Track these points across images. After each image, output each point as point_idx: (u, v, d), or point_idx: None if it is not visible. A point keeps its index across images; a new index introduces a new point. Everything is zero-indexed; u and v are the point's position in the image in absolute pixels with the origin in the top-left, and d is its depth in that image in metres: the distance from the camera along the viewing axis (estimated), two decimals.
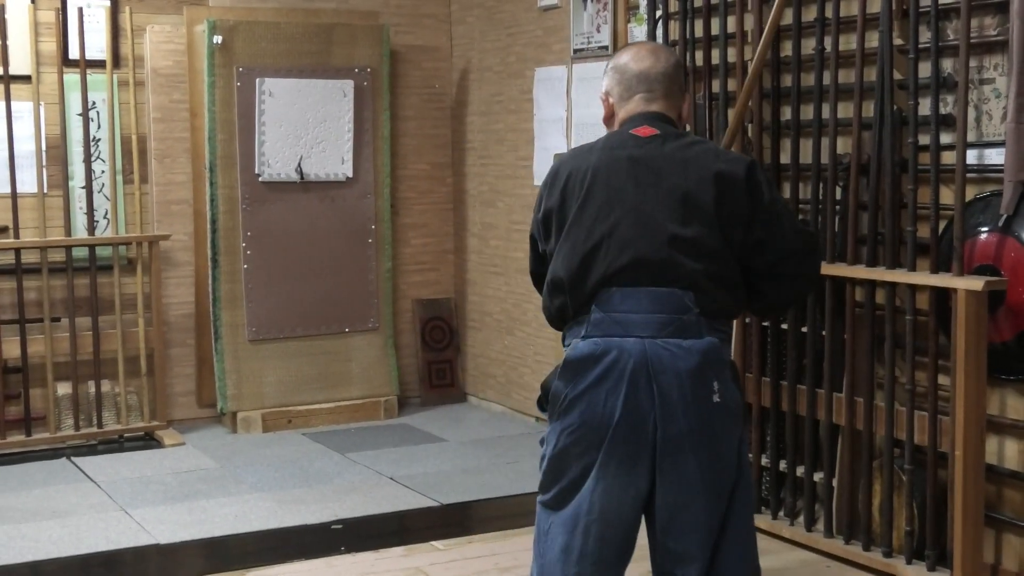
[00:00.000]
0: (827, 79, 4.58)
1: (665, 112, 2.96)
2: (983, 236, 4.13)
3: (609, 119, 3.06)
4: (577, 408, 2.78)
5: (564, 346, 2.91)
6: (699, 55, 5.14)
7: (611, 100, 3.03)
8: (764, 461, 4.90)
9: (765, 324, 4.82)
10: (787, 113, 4.79)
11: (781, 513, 4.84)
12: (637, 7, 5.74)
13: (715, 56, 5.08)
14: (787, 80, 4.78)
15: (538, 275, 3.10)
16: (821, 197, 4.60)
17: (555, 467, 2.90)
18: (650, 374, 2.70)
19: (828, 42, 4.55)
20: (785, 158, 4.81)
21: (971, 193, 4.18)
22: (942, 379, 4.22)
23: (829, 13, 4.53)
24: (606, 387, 2.72)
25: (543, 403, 2.99)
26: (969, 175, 4.15)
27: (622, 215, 2.76)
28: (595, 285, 2.76)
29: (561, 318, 2.91)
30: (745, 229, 2.81)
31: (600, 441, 2.75)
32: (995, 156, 4.12)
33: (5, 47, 6.16)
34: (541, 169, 6.49)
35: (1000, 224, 4.07)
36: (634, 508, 2.84)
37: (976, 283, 3.94)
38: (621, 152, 2.84)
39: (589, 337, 2.77)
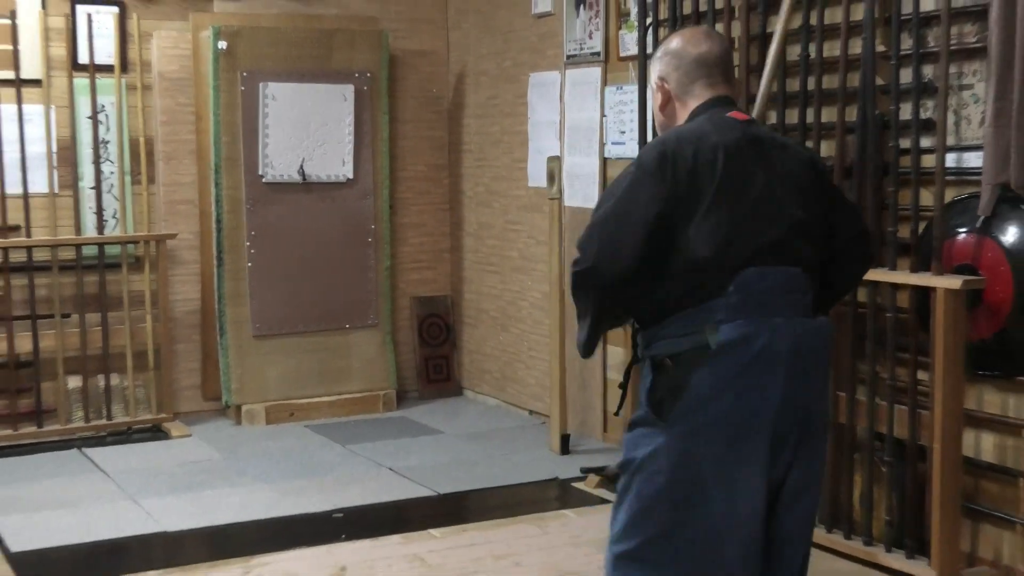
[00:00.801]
0: (812, 84, 4.59)
1: (731, 96, 2.88)
2: (962, 237, 4.14)
3: (666, 104, 2.89)
4: (729, 397, 2.56)
5: (673, 338, 2.61)
6: None
7: (667, 86, 2.87)
8: None
9: None
10: (773, 117, 4.80)
11: None
12: (628, 14, 5.76)
13: None
14: (774, 85, 4.79)
15: (620, 251, 2.58)
16: None
17: (676, 481, 2.59)
18: (801, 355, 2.60)
19: (813, 48, 4.57)
20: None
21: (950, 195, 4.20)
22: (922, 375, 4.24)
23: (814, 20, 4.55)
24: (760, 371, 2.56)
25: (655, 412, 2.63)
26: (948, 178, 4.17)
27: (759, 197, 2.63)
28: (737, 264, 2.56)
29: (675, 304, 2.59)
30: (827, 213, 2.78)
31: (756, 430, 2.58)
32: (974, 159, 4.13)
33: (17, 52, 6.17)
34: (535, 170, 6.50)
35: (978, 225, 4.08)
36: (764, 509, 2.64)
37: (955, 282, 3.97)
38: (735, 135, 2.68)
39: (732, 319, 2.55)
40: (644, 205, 2.56)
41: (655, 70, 2.91)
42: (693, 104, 2.81)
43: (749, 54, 4.84)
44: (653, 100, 2.94)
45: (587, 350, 2.76)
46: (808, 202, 2.71)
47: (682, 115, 2.83)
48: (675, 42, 2.91)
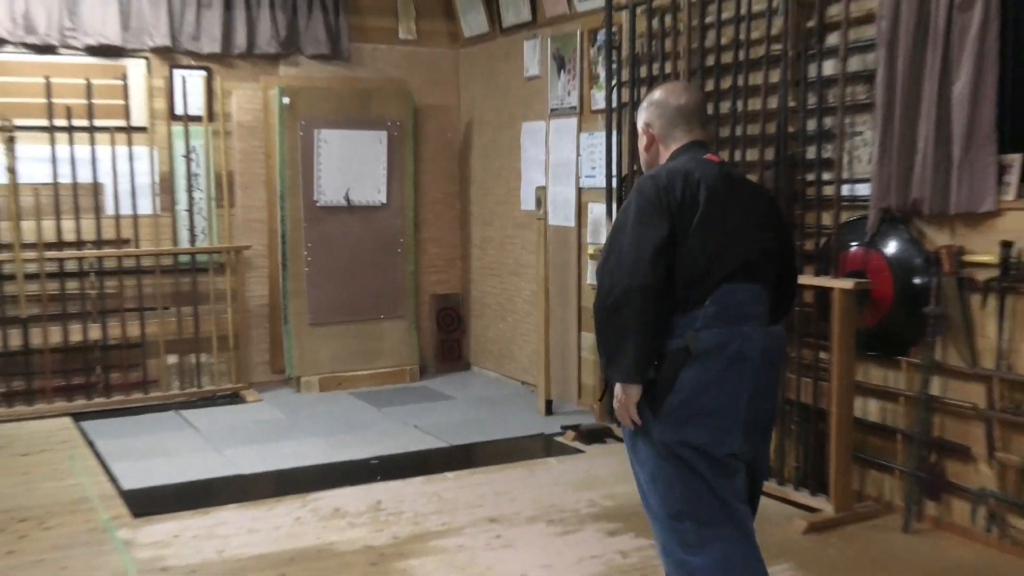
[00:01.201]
0: (739, 131, 4.62)
1: (706, 141, 2.77)
2: (854, 249, 4.17)
3: (651, 146, 2.78)
4: (711, 392, 2.50)
5: (673, 337, 2.51)
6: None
7: (652, 131, 2.75)
8: None
9: None
10: None
11: None
12: (597, 77, 5.75)
13: None
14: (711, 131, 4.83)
15: (652, 262, 2.45)
16: None
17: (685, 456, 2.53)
18: (766, 357, 2.55)
19: (740, 104, 4.60)
20: None
21: (845, 217, 4.22)
22: (823, 355, 4.28)
23: (741, 82, 4.58)
24: (736, 371, 2.50)
25: (650, 404, 2.55)
26: (843, 204, 4.21)
27: (733, 227, 2.54)
28: (715, 282, 2.48)
29: (666, 305, 2.48)
30: (780, 240, 2.74)
31: (732, 420, 2.52)
32: (863, 189, 4.16)
33: (127, 106, 6.20)
34: (526, 197, 6.51)
35: (866, 240, 4.11)
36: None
37: (848, 283, 4.01)
38: (713, 173, 2.59)
39: (709, 328, 2.48)
40: (655, 227, 2.47)
41: (641, 117, 2.81)
42: (674, 146, 2.71)
43: None
44: (639, 142, 2.83)
45: (634, 373, 2.50)
46: (770, 231, 2.65)
47: (664, 155, 2.73)
48: (659, 94, 2.80)
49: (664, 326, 2.49)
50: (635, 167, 5.24)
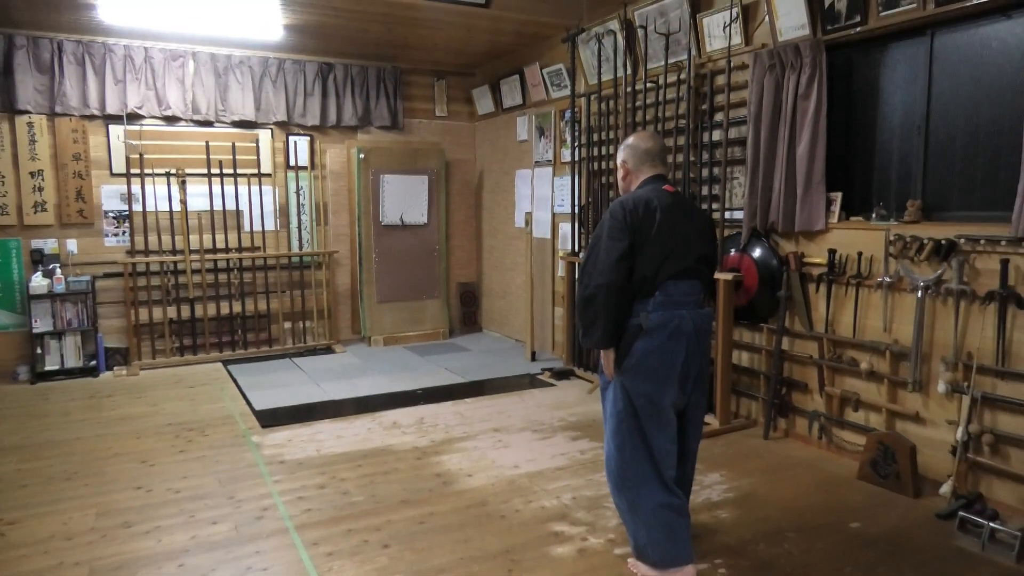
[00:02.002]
0: None
1: (665, 174, 2.62)
2: (732, 254, 4.13)
3: (626, 178, 2.64)
4: (656, 356, 2.42)
5: (633, 317, 2.45)
6: (594, 164, 5.16)
7: (628, 167, 2.62)
8: None
9: None
10: None
11: None
12: (565, 140, 5.74)
13: (602, 164, 5.11)
14: None
15: (618, 266, 2.40)
16: None
17: (635, 391, 2.46)
18: (697, 331, 2.46)
19: None
20: None
21: (727, 233, 4.18)
22: (712, 323, 4.24)
23: None
24: (674, 341, 2.42)
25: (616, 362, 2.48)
26: (726, 224, 4.17)
27: (678, 239, 2.45)
28: (663, 279, 2.42)
29: (628, 295, 2.43)
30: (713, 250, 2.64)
31: (671, 374, 2.43)
32: (738, 215, 4.13)
33: (259, 160, 6.15)
34: (518, 219, 6.48)
35: (740, 248, 4.07)
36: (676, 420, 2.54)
37: (728, 276, 3.97)
38: (667, 200, 2.48)
39: (656, 311, 2.42)
40: (620, 240, 2.41)
41: (620, 155, 2.66)
42: (642, 178, 2.60)
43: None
44: (617, 173, 2.69)
45: (604, 342, 2.44)
46: (707, 242, 2.55)
47: (635, 184, 2.61)
48: (632, 139, 2.65)
49: (626, 309, 2.44)
50: (590, 199, 5.20)
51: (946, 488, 3.11)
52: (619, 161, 2.67)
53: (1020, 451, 2.97)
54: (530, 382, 5.23)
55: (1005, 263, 2.96)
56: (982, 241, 3.03)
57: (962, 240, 3.11)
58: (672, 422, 2.50)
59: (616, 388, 2.51)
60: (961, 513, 2.85)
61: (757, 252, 4.02)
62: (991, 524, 2.72)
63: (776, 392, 3.94)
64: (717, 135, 4.21)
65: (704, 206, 4.30)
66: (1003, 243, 2.97)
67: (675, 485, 2.51)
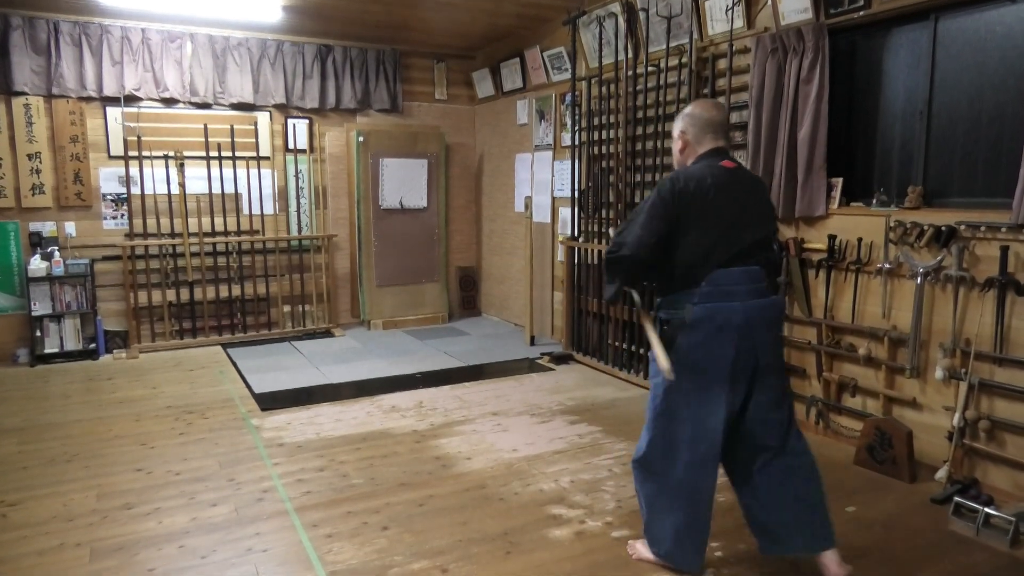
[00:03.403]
0: (658, 160, 4.53)
1: (726, 148, 2.37)
2: None
3: (683, 150, 2.40)
4: (700, 352, 2.21)
5: (670, 309, 2.26)
6: (594, 149, 5.15)
7: (687, 138, 2.37)
8: (625, 346, 4.93)
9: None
10: (640, 176, 4.79)
11: (633, 371, 4.88)
12: (566, 124, 5.72)
13: (602, 148, 5.09)
14: (639, 160, 4.78)
15: (646, 245, 2.22)
16: None
17: (679, 387, 2.26)
18: (750, 323, 2.20)
19: (659, 142, 4.51)
20: (639, 198, 4.82)
21: None
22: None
23: (660, 128, 4.50)
24: (722, 336, 2.18)
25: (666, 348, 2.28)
26: None
27: (731, 222, 2.22)
28: (711, 267, 2.20)
29: (645, 276, 2.29)
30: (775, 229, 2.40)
31: (718, 374, 2.21)
32: None
33: (257, 143, 6.13)
34: (518, 203, 6.48)
35: None
36: (724, 424, 2.26)
37: None
38: (725, 178, 2.25)
39: (701, 303, 2.19)
40: (660, 219, 2.21)
41: (678, 126, 2.41)
42: (701, 151, 2.35)
43: (630, 146, 4.85)
44: (674, 145, 2.43)
45: (612, 301, 2.37)
46: (766, 222, 2.31)
47: (692, 158, 2.38)
48: (694, 108, 2.40)
49: (643, 280, 2.34)
50: (590, 184, 5.19)
51: (942, 473, 3.13)
52: (676, 132, 2.42)
53: (1016, 437, 2.99)
54: (529, 366, 5.24)
55: (1005, 250, 2.96)
56: (982, 228, 3.03)
57: (962, 227, 3.11)
58: (714, 429, 2.24)
59: (659, 383, 2.33)
60: (956, 498, 2.87)
61: None
62: (986, 509, 2.74)
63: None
64: None
65: None
66: (1003, 230, 2.97)
67: (711, 492, 2.32)
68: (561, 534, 2.71)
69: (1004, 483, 3.03)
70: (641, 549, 2.53)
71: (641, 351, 4.77)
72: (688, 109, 2.41)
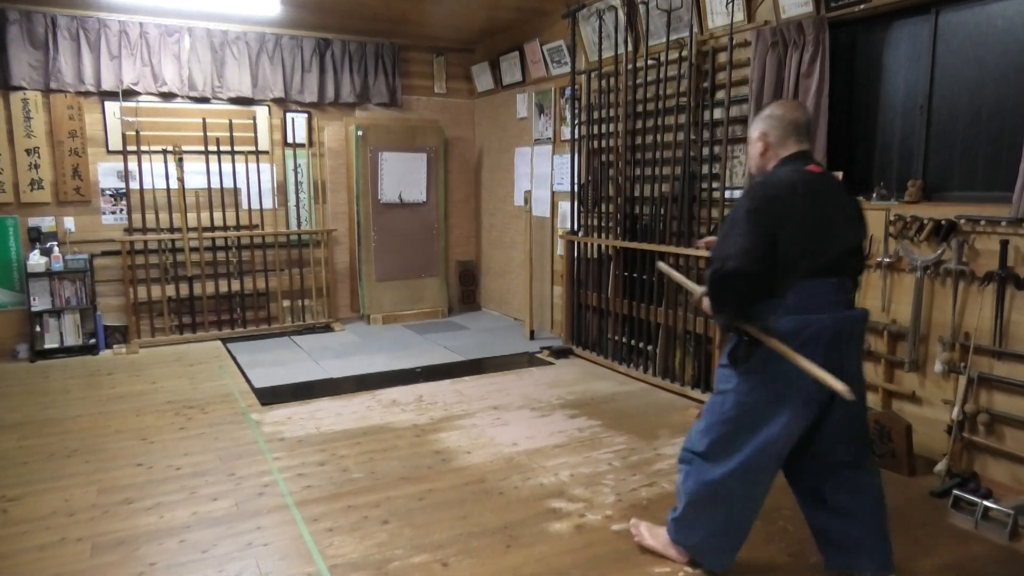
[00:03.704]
0: (659, 154, 4.55)
1: (810, 152, 2.24)
2: None
3: (764, 153, 2.24)
4: (781, 367, 2.07)
5: (756, 319, 2.10)
6: (594, 143, 5.14)
7: (769, 140, 2.22)
8: (625, 340, 4.93)
9: (626, 273, 4.85)
10: (640, 170, 4.80)
11: (633, 365, 4.89)
12: (565, 118, 5.71)
13: (602, 142, 5.08)
14: (639, 155, 4.78)
15: (754, 255, 2.04)
16: (660, 213, 4.62)
17: (753, 403, 2.15)
18: (838, 338, 2.08)
19: (659, 137, 4.53)
20: (639, 192, 4.82)
21: (727, 212, 4.15)
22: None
23: (660, 122, 4.52)
24: (807, 351, 2.04)
25: (732, 364, 2.20)
26: (726, 203, 4.16)
27: (821, 231, 2.08)
28: (798, 278, 2.07)
29: (757, 293, 2.09)
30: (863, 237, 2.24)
31: (800, 388, 2.08)
32: (738, 193, 4.10)
33: (256, 137, 6.12)
34: (518, 197, 6.47)
35: None
36: (795, 438, 2.17)
37: None
38: (814, 184, 2.11)
39: (787, 316, 2.06)
40: (764, 226, 2.04)
41: (758, 127, 2.27)
42: (784, 154, 2.21)
43: (630, 140, 4.84)
44: (753, 148, 2.28)
45: (729, 326, 2.15)
46: (856, 230, 2.18)
47: (772, 161, 2.23)
48: (775, 109, 2.26)
49: (760, 293, 2.09)
50: (590, 177, 5.18)
51: (941, 467, 3.14)
52: (755, 134, 2.27)
53: (1015, 430, 3.00)
54: (529, 360, 5.25)
55: (1005, 244, 2.96)
56: (982, 222, 3.03)
57: (962, 220, 3.10)
58: (783, 442, 2.15)
59: (732, 386, 2.20)
60: (955, 491, 2.88)
61: None
62: (984, 502, 2.75)
63: None
64: (718, 113, 4.18)
65: (704, 185, 4.29)
66: (1003, 224, 2.97)
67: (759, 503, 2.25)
68: (561, 527, 2.72)
69: (1003, 476, 3.04)
70: (645, 534, 2.52)
71: (647, 347, 4.76)
72: (769, 110, 2.27)
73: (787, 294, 2.07)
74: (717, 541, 2.32)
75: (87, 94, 5.57)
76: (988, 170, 3.18)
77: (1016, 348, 2.97)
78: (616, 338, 4.96)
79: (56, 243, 5.47)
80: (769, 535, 2.67)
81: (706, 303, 2.20)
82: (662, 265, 2.41)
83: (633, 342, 4.84)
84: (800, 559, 2.50)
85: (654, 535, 2.53)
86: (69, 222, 5.61)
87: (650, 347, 4.69)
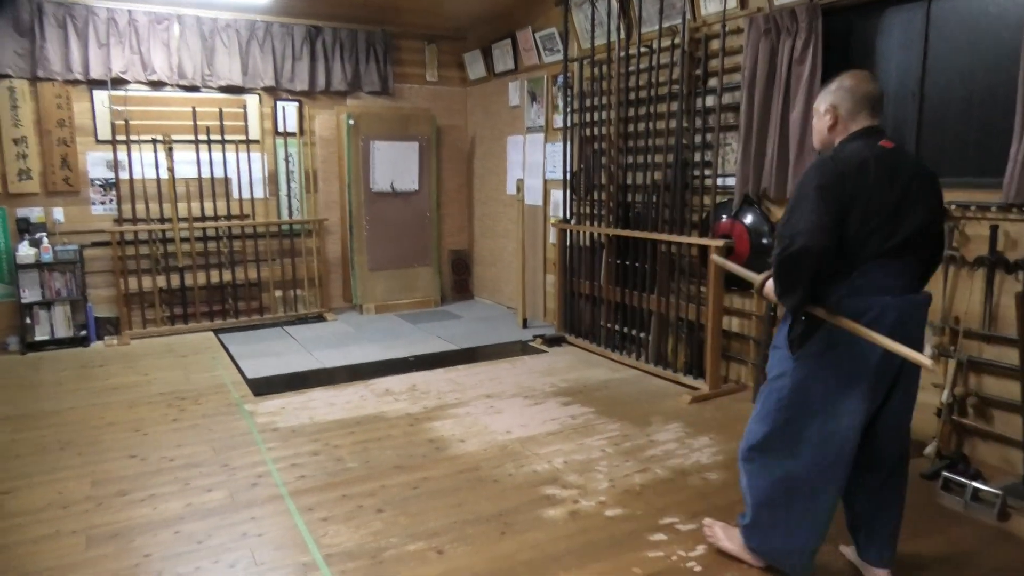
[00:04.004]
0: (651, 142, 4.54)
1: (882, 127, 2.09)
2: (724, 220, 4.13)
3: (833, 128, 2.10)
4: (843, 350, 2.00)
5: (823, 300, 2.00)
6: (587, 130, 5.13)
7: (839, 113, 2.08)
8: (618, 327, 4.94)
9: (619, 260, 4.85)
10: (632, 157, 4.79)
11: (626, 352, 4.90)
12: (557, 106, 5.70)
13: (595, 130, 5.07)
14: (632, 142, 4.77)
15: (825, 230, 1.92)
16: (653, 201, 4.62)
17: (813, 385, 2.06)
18: (903, 322, 1.97)
19: (651, 124, 4.53)
20: (631, 180, 4.82)
21: (719, 199, 4.19)
22: (703, 288, 4.26)
23: (652, 110, 4.51)
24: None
25: (789, 347, 2.10)
26: (718, 191, 4.18)
27: (892, 209, 1.96)
28: (866, 258, 1.95)
29: (826, 272, 1.97)
30: (939, 216, 2.08)
31: (862, 373, 2.00)
32: (731, 181, 4.12)
33: (247, 126, 6.07)
34: (510, 186, 6.46)
35: (732, 214, 4.08)
36: (861, 426, 2.06)
37: (720, 243, 3.98)
38: (887, 160, 1.99)
39: (850, 297, 1.97)
40: (833, 200, 1.93)
41: (826, 100, 2.12)
42: (855, 128, 2.07)
43: (623, 128, 4.83)
44: (820, 122, 2.14)
45: (799, 309, 2.03)
46: (930, 209, 2.02)
47: (842, 135, 2.09)
48: (846, 81, 2.10)
49: (826, 274, 1.98)
50: (582, 166, 5.17)
51: (930, 449, 3.17)
52: (824, 107, 2.12)
53: (1003, 413, 3.03)
54: (522, 349, 5.25)
55: (995, 229, 2.98)
56: (972, 207, 3.05)
57: (953, 206, 3.12)
58: (848, 430, 2.04)
59: (789, 372, 2.10)
60: (945, 473, 2.90)
61: (749, 219, 4.02)
62: (974, 484, 2.78)
63: (765, 357, 3.96)
64: (711, 101, 4.18)
65: (696, 172, 4.29)
66: (993, 209, 2.99)
67: (835, 500, 2.13)
68: (555, 514, 2.74)
69: (992, 458, 3.07)
70: (720, 534, 2.43)
71: (640, 335, 4.78)
72: (838, 82, 2.11)
73: (853, 274, 1.97)
74: (796, 543, 2.15)
75: (75, 83, 5.51)
76: (979, 156, 3.19)
77: (1005, 332, 2.99)
78: (609, 325, 4.97)
79: (45, 234, 5.42)
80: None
81: (769, 288, 2.10)
82: (717, 258, 2.34)
83: (626, 329, 4.85)
84: None
85: (730, 537, 2.40)
86: (58, 213, 5.56)
87: (643, 334, 4.70)
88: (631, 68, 4.69)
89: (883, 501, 2.19)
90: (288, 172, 6.30)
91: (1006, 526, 2.65)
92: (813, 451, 2.06)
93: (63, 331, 5.47)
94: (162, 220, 5.79)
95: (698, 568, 2.37)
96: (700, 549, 2.48)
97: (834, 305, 1.98)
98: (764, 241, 3.94)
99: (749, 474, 2.22)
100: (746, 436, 2.24)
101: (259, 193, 6.19)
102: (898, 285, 1.98)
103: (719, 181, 4.17)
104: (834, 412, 2.03)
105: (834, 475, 2.07)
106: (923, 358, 1.83)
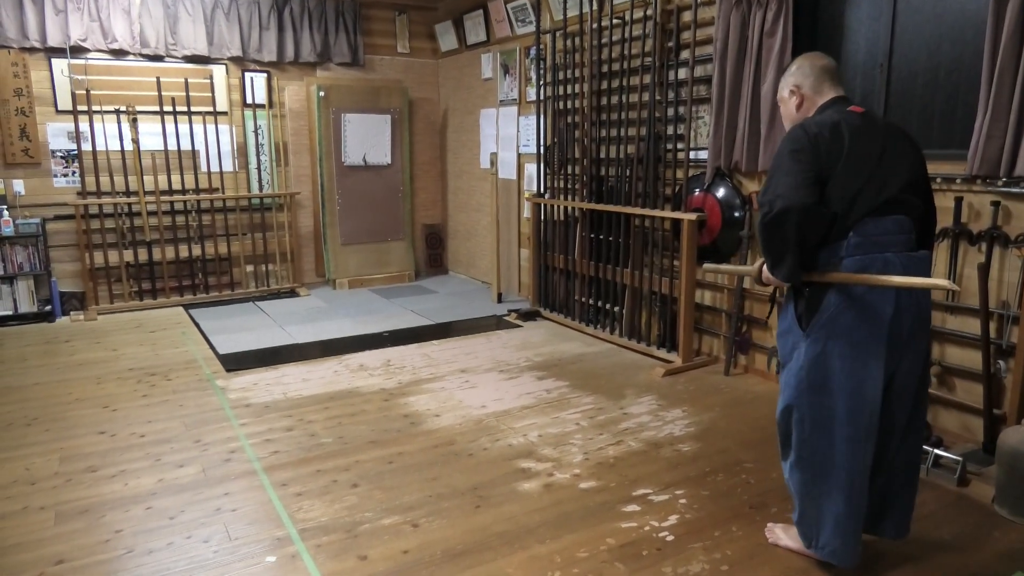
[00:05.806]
0: (623, 115, 4.52)
1: (847, 95, 2.12)
2: (696, 194, 4.13)
3: (801, 106, 2.14)
4: (853, 311, 1.93)
5: (820, 266, 1.96)
6: (560, 104, 5.08)
7: (804, 91, 2.12)
8: (592, 301, 4.96)
9: (593, 235, 4.84)
10: (605, 131, 4.76)
11: (600, 326, 4.92)
12: (531, 79, 5.64)
13: (568, 103, 5.03)
14: (605, 116, 4.75)
15: (803, 187, 1.89)
16: (626, 174, 4.61)
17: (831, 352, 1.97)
18: (907, 276, 1.89)
19: (624, 97, 4.51)
20: (604, 153, 4.80)
21: (691, 173, 4.19)
22: (675, 262, 4.28)
23: (624, 83, 4.48)
24: (878, 291, 1.91)
25: (798, 323, 2.04)
26: (690, 164, 4.18)
27: (875, 166, 1.93)
28: (858, 216, 1.90)
29: (819, 220, 1.91)
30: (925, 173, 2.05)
31: (876, 333, 1.92)
32: (703, 154, 4.12)
33: (214, 97, 5.92)
34: (483, 160, 6.41)
35: (704, 188, 4.08)
36: (882, 391, 1.99)
37: (692, 216, 4.00)
38: (858, 122, 1.98)
39: (851, 256, 1.92)
40: (806, 163, 1.91)
41: (788, 83, 2.16)
42: (821, 101, 2.11)
43: (596, 101, 4.79)
44: (788, 106, 2.17)
45: (794, 276, 1.96)
46: (911, 163, 1.99)
47: (811, 110, 2.12)
48: (801, 61, 2.15)
49: (819, 234, 1.93)
50: (555, 139, 5.14)
51: None
52: (788, 90, 2.16)
53: (965, 382, 3.10)
54: (496, 323, 5.25)
55: (959, 201, 3.02)
56: (938, 179, 3.08)
57: None
58: (873, 398, 1.96)
59: (803, 350, 2.02)
60: None
61: (721, 192, 4.03)
62: (935, 451, 2.85)
63: (737, 330, 4.02)
64: (683, 73, 4.16)
65: (669, 146, 4.28)
66: (958, 181, 3.02)
67: (871, 474, 2.06)
68: (530, 487, 2.75)
69: (953, 425, 3.15)
70: (781, 535, 2.34)
71: (614, 308, 4.79)
72: (795, 64, 2.17)
73: (848, 234, 1.92)
74: (843, 529, 2.06)
75: (32, 50, 5.31)
76: (944, 128, 3.23)
77: (968, 303, 3.05)
78: (583, 300, 4.98)
79: (5, 207, 5.26)
80: (731, 487, 2.73)
81: (766, 272, 2.07)
82: (709, 265, 2.35)
83: (600, 303, 4.86)
84: (761, 510, 2.57)
85: (790, 536, 2.32)
86: (19, 185, 5.39)
87: (616, 308, 4.71)
88: (603, 40, 4.64)
89: (896, 473, 2.12)
90: (258, 145, 6.17)
91: (966, 491, 2.72)
92: (847, 427, 1.99)
93: (26, 306, 5.34)
94: (128, 193, 5.65)
95: (670, 538, 2.40)
96: (672, 519, 2.52)
97: (835, 269, 1.94)
98: (736, 215, 3.96)
99: (789, 468, 2.15)
100: (778, 429, 2.17)
101: (228, 166, 6.07)
102: (898, 241, 1.93)
103: (691, 154, 4.16)
104: (857, 386, 1.96)
105: (867, 448, 2.00)
106: (943, 281, 1.75)
